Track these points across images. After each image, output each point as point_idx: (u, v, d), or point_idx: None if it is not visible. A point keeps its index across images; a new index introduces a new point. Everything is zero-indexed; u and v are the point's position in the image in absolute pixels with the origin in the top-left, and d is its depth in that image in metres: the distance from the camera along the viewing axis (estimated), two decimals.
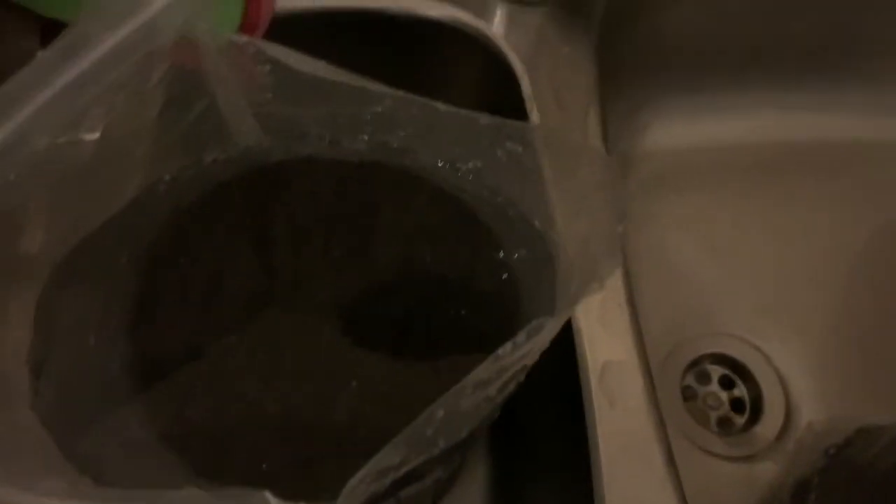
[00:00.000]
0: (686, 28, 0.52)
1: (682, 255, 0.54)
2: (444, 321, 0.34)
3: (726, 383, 0.51)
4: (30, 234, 0.28)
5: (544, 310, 0.23)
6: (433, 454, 0.24)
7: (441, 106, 0.25)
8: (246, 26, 0.27)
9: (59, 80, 0.21)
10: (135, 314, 0.32)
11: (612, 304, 0.37)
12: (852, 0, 0.51)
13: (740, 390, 0.51)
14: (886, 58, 0.54)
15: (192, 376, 0.32)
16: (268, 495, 0.19)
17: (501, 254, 0.33)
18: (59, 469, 0.23)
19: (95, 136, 0.22)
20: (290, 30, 0.27)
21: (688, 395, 0.51)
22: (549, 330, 0.21)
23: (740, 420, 0.50)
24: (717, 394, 0.51)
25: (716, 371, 0.52)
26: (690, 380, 0.51)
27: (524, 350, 0.22)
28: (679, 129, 0.57)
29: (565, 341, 0.37)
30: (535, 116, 0.40)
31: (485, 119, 0.26)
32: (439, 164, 0.31)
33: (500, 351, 0.21)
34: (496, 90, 0.44)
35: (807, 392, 0.50)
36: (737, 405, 0.50)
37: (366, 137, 0.31)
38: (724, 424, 0.50)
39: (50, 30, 0.23)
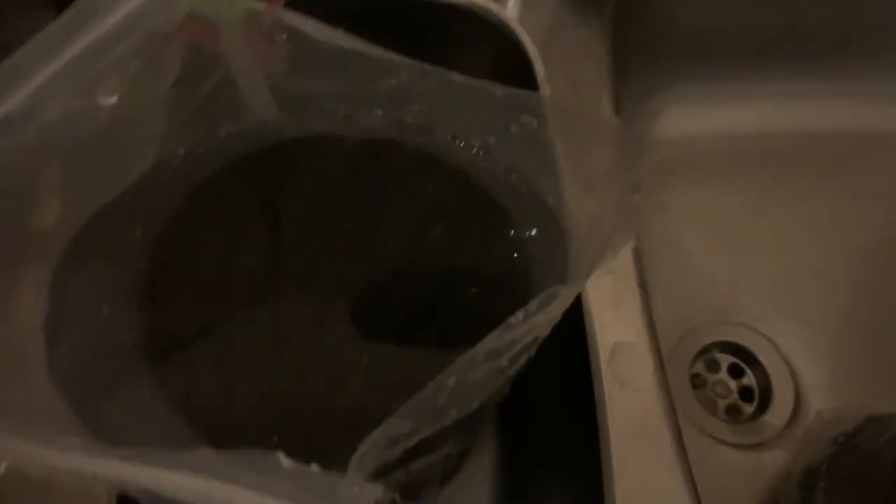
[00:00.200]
0: (700, 14, 0.51)
1: (692, 243, 0.54)
2: (456, 301, 0.34)
3: (735, 371, 0.51)
4: (45, 206, 0.28)
5: None
6: (445, 424, 0.24)
7: (456, 76, 0.25)
8: None
9: (72, 47, 0.21)
10: (147, 288, 0.32)
11: (624, 285, 0.37)
12: None
13: (749, 379, 0.51)
14: None
15: (203, 351, 0.32)
16: (281, 455, 0.19)
17: (513, 233, 0.33)
18: (74, 431, 0.23)
19: (111, 101, 0.22)
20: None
21: (697, 382, 0.51)
22: (561, 300, 0.21)
23: (749, 408, 0.50)
24: (725, 382, 0.51)
25: (725, 359, 0.52)
26: (699, 367, 0.51)
27: (536, 320, 0.22)
28: (692, 117, 0.57)
29: (575, 324, 0.37)
30: None
31: (500, 91, 0.26)
32: (453, 141, 0.31)
33: (512, 319, 0.21)
34: (509, 74, 0.44)
35: (816, 381, 0.50)
36: (745, 393, 0.50)
37: (380, 112, 0.31)
38: (733, 412, 0.50)
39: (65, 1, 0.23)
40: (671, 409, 0.34)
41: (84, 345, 0.29)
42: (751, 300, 0.52)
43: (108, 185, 0.30)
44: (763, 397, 0.50)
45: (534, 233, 0.32)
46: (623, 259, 0.37)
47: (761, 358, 0.50)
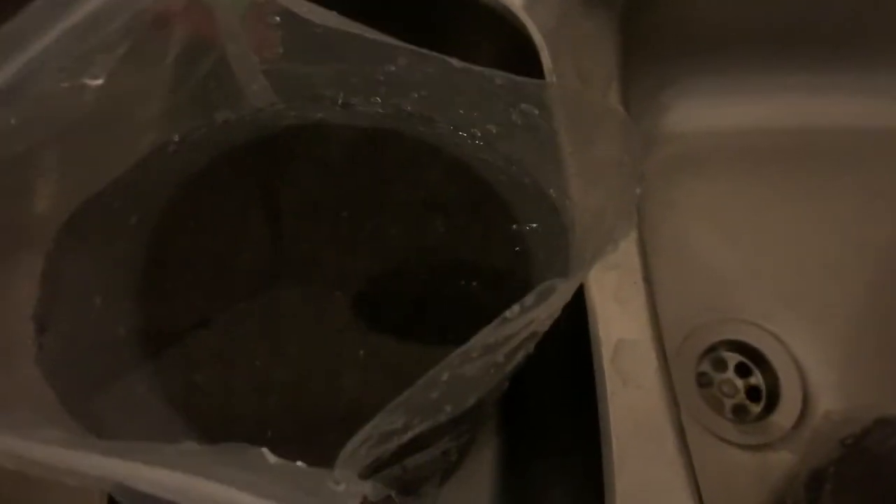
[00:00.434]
0: (710, 7, 0.51)
1: (700, 240, 0.53)
2: (455, 295, 0.33)
3: (742, 371, 0.50)
4: (37, 191, 0.28)
5: None
6: (440, 420, 0.24)
7: (456, 62, 0.25)
8: None
9: (56, 27, 0.20)
10: (142, 278, 0.32)
11: (628, 281, 0.36)
12: None
13: (756, 378, 0.50)
14: None
15: (199, 343, 0.32)
16: (265, 451, 0.18)
17: (515, 226, 0.33)
18: (60, 423, 0.23)
19: (97, 83, 0.22)
20: None
21: (703, 381, 0.50)
22: (560, 294, 0.21)
23: (756, 408, 0.49)
24: (732, 381, 0.50)
25: (732, 358, 0.51)
26: (706, 366, 0.51)
27: (534, 314, 0.21)
28: (702, 111, 0.56)
29: (577, 321, 0.37)
30: None
31: (500, 78, 0.25)
32: (454, 131, 0.30)
33: (508, 313, 0.20)
34: (516, 65, 0.43)
35: (824, 382, 0.49)
36: (753, 393, 0.50)
37: (379, 100, 0.30)
38: (740, 412, 0.49)
39: None
40: (674, 407, 0.34)
41: (76, 335, 0.29)
42: (759, 298, 0.51)
43: (103, 171, 0.30)
44: (770, 397, 0.49)
45: (535, 226, 0.31)
46: (628, 254, 0.37)
47: (769, 357, 0.50)
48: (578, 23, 0.45)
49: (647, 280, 0.36)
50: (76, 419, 0.25)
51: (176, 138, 0.31)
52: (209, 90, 0.29)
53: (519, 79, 0.25)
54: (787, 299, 0.51)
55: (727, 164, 0.56)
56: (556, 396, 0.43)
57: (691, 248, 0.53)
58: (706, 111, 0.56)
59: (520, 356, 0.25)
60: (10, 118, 0.19)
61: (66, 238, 0.29)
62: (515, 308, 0.20)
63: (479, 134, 0.31)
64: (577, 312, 0.36)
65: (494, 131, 0.30)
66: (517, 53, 0.43)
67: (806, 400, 0.48)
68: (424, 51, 0.25)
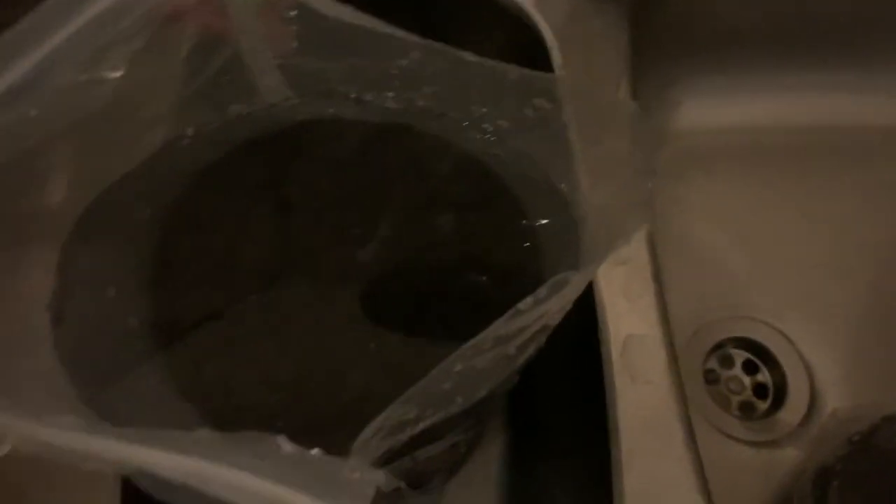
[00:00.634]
0: (720, 4, 0.51)
1: (708, 237, 0.53)
2: (465, 290, 0.33)
3: (750, 368, 0.50)
4: (52, 184, 0.28)
5: None
6: (451, 412, 0.24)
7: (469, 56, 0.25)
8: None
9: (76, 19, 0.21)
10: (154, 271, 0.32)
11: (637, 277, 0.36)
12: None
13: (764, 375, 0.50)
14: None
15: (209, 335, 0.32)
16: (281, 439, 0.19)
17: (525, 221, 0.33)
18: (76, 411, 0.23)
19: (116, 75, 0.22)
20: None
21: (710, 378, 0.50)
22: (572, 287, 0.21)
23: (763, 405, 0.49)
24: (739, 378, 0.50)
25: (739, 355, 0.51)
26: (713, 363, 0.51)
27: (546, 306, 0.21)
28: (710, 109, 0.56)
29: (586, 317, 0.37)
30: None
31: (514, 73, 0.25)
32: (466, 126, 0.31)
33: (521, 305, 0.21)
34: (525, 62, 0.43)
35: (832, 379, 0.49)
36: (760, 390, 0.50)
37: (392, 94, 0.30)
38: (747, 409, 0.49)
39: None
40: (683, 403, 0.34)
41: (90, 326, 0.29)
42: (767, 295, 0.51)
43: (117, 164, 0.30)
44: (777, 394, 0.49)
45: (546, 221, 0.32)
46: (637, 250, 0.37)
47: (776, 354, 0.50)
48: (588, 20, 0.45)
49: (657, 277, 0.37)
50: (91, 408, 0.25)
51: (189, 132, 0.31)
52: (222, 84, 0.29)
53: (533, 73, 0.25)
54: (795, 296, 0.51)
55: (735, 162, 0.56)
56: (564, 392, 0.43)
57: (699, 245, 0.53)
58: (715, 108, 0.56)
59: (531, 349, 0.25)
60: (30, 110, 0.20)
61: (82, 230, 0.29)
62: (528, 300, 0.21)
63: (491, 129, 0.31)
64: (585, 308, 0.36)
65: (506, 126, 0.30)
66: (527, 51, 0.43)
67: (813, 397, 0.48)
68: (439, 45, 0.25)
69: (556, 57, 0.41)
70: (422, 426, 0.23)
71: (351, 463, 0.19)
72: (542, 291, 0.21)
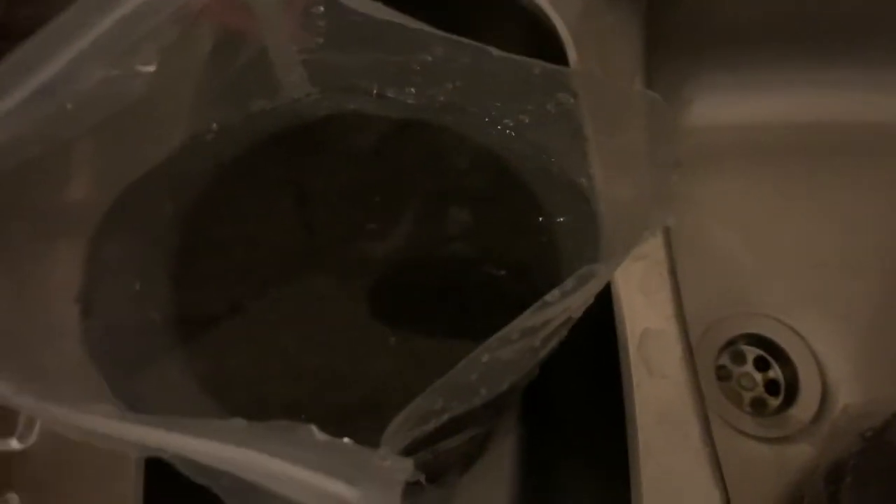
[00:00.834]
0: (732, 1, 0.51)
1: (720, 234, 0.54)
2: (483, 284, 0.33)
3: (761, 364, 0.51)
4: (81, 178, 0.29)
5: None
6: (475, 404, 0.24)
7: (494, 51, 0.25)
8: None
9: (110, 15, 0.21)
10: (178, 265, 0.33)
11: (654, 272, 0.37)
12: None
13: (775, 372, 0.50)
14: None
15: (232, 328, 0.32)
16: (313, 428, 0.19)
17: (542, 216, 0.33)
18: (105, 399, 0.23)
19: (150, 69, 0.22)
20: None
21: (722, 374, 0.50)
22: (598, 279, 0.21)
23: (775, 402, 0.49)
24: (751, 374, 0.50)
25: (751, 352, 0.51)
26: (725, 360, 0.51)
27: (572, 299, 0.21)
28: (724, 106, 0.56)
29: (603, 311, 0.37)
30: None
31: (538, 68, 0.25)
32: (486, 121, 0.31)
33: (548, 297, 0.21)
34: (539, 57, 0.44)
35: (844, 375, 0.49)
36: (771, 387, 0.50)
37: (413, 90, 0.31)
38: (758, 405, 0.49)
39: None
40: (699, 397, 0.34)
41: (117, 318, 0.29)
42: (779, 292, 0.52)
43: (142, 159, 0.30)
44: (789, 391, 0.49)
45: (564, 216, 0.32)
46: (654, 246, 0.37)
47: (788, 351, 0.50)
48: (603, 17, 0.46)
49: (673, 272, 0.37)
50: (119, 398, 0.26)
51: (213, 127, 0.31)
52: (246, 80, 0.29)
53: (557, 68, 0.26)
54: (806, 293, 0.52)
55: (748, 159, 0.56)
56: (579, 386, 0.43)
57: (711, 242, 0.53)
58: (728, 106, 0.56)
59: (554, 341, 0.25)
60: (66, 104, 0.20)
61: (108, 225, 0.29)
62: (556, 292, 0.21)
63: (512, 124, 0.31)
64: (602, 303, 0.36)
65: (527, 121, 0.30)
66: (542, 47, 0.44)
67: (825, 393, 0.49)
68: (464, 40, 0.26)
69: (572, 53, 0.42)
70: (446, 417, 0.24)
71: (381, 452, 0.19)
72: (568, 284, 0.21)
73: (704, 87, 0.56)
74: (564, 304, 0.21)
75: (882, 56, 0.55)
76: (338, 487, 0.17)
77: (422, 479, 0.30)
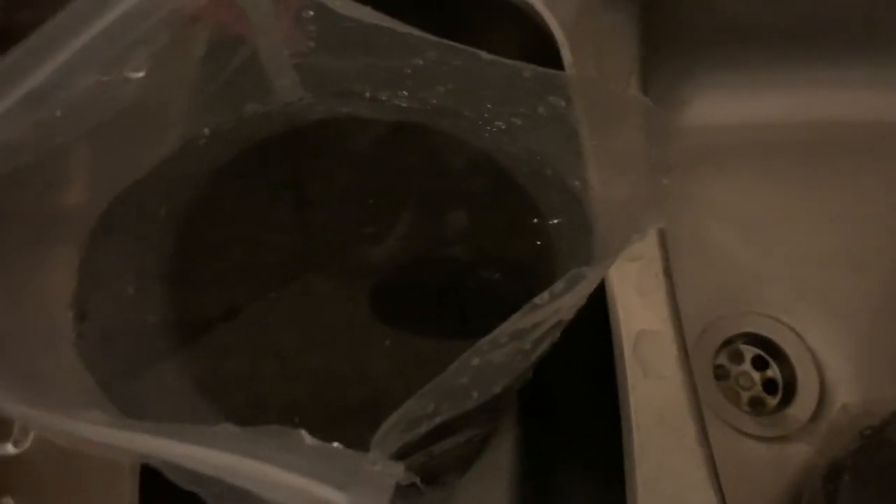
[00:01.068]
0: (731, 1, 0.51)
1: (718, 233, 0.54)
2: (479, 286, 0.33)
3: (759, 364, 0.51)
4: (74, 184, 0.29)
5: None
6: (467, 407, 0.24)
7: (484, 55, 0.25)
8: None
9: (100, 20, 0.21)
10: (174, 269, 0.33)
11: (649, 273, 0.37)
12: None
13: (773, 371, 0.50)
14: None
15: (228, 331, 0.32)
16: (303, 433, 0.19)
17: (537, 218, 0.33)
18: (101, 407, 0.23)
19: (140, 75, 0.22)
20: None
21: (720, 374, 0.50)
22: (588, 281, 0.21)
23: (773, 401, 0.49)
24: (749, 374, 0.50)
25: (749, 351, 0.51)
26: (723, 359, 0.51)
27: (562, 301, 0.21)
28: (721, 105, 0.56)
29: (599, 313, 0.37)
30: None
31: (528, 71, 0.26)
32: (479, 124, 0.31)
33: (538, 299, 0.21)
34: (535, 60, 0.44)
35: (842, 375, 0.49)
36: (770, 386, 0.50)
37: (406, 93, 0.31)
38: (756, 405, 0.49)
39: None
40: (695, 398, 0.34)
41: (111, 324, 0.29)
42: (777, 291, 0.52)
43: (136, 163, 0.31)
44: (787, 390, 0.49)
45: (558, 218, 0.32)
46: (649, 246, 0.37)
47: (786, 350, 0.50)
48: (598, 17, 0.46)
49: (668, 273, 0.37)
50: (115, 404, 0.26)
51: (206, 132, 0.32)
52: (239, 84, 0.29)
53: (547, 71, 0.26)
54: (804, 292, 0.51)
55: (746, 158, 0.56)
56: (578, 388, 0.43)
57: (709, 242, 0.53)
58: (725, 105, 0.56)
59: (546, 344, 0.25)
60: (55, 111, 0.20)
61: (102, 229, 0.29)
62: (545, 295, 0.21)
63: (504, 127, 0.31)
64: (598, 304, 0.37)
65: (519, 124, 0.30)
66: (537, 49, 0.44)
67: (823, 392, 0.49)
68: (454, 44, 0.26)
69: (567, 54, 0.42)
70: (438, 420, 0.24)
71: (371, 456, 0.19)
72: (558, 286, 0.21)
73: (703, 86, 0.56)
74: (554, 307, 0.21)
75: (881, 54, 0.55)
76: (327, 492, 0.17)
77: (418, 481, 0.30)
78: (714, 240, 0.53)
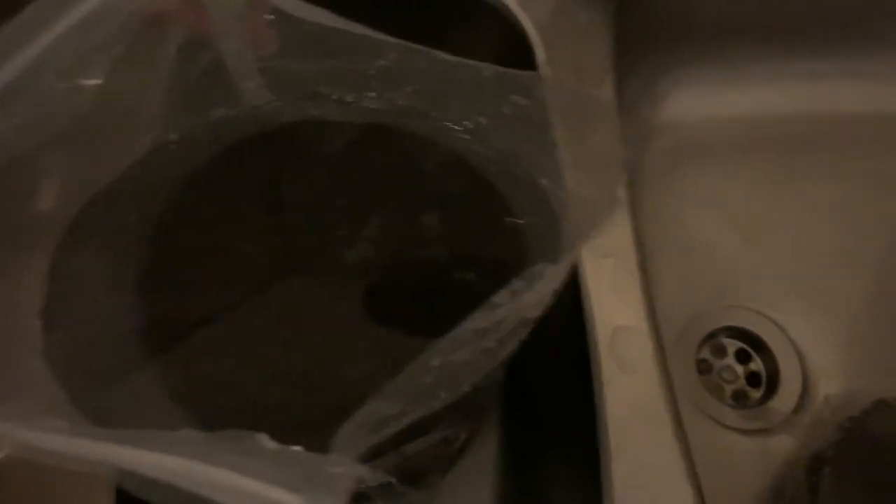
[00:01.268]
0: None
1: (699, 229, 0.54)
2: (454, 286, 0.34)
3: (742, 357, 0.51)
4: (42, 191, 0.29)
5: None
6: (435, 407, 0.24)
7: (445, 56, 0.25)
8: None
9: (57, 25, 0.21)
10: (145, 275, 0.33)
11: (624, 269, 0.37)
12: None
13: (756, 364, 0.50)
14: None
15: (201, 337, 0.32)
16: (263, 436, 0.19)
17: (509, 217, 0.33)
18: (66, 415, 0.23)
19: (94, 83, 0.22)
20: None
21: (703, 368, 0.50)
22: (547, 279, 0.21)
23: (756, 394, 0.49)
24: (732, 367, 0.50)
25: (732, 345, 0.51)
26: (706, 353, 0.51)
27: (523, 299, 0.21)
28: (699, 100, 0.56)
29: (575, 310, 0.37)
30: None
31: (489, 70, 0.26)
32: (447, 124, 0.31)
33: (496, 298, 0.21)
34: (510, 58, 0.44)
35: (824, 366, 0.49)
36: (752, 379, 0.50)
37: (373, 94, 0.31)
38: (740, 398, 0.49)
39: None
40: (671, 393, 0.34)
41: (82, 332, 0.29)
42: (759, 285, 0.52)
43: (104, 170, 0.30)
44: (770, 382, 0.49)
45: (528, 216, 0.32)
46: (623, 243, 0.37)
47: (769, 343, 0.50)
48: (573, 16, 0.46)
49: (643, 268, 0.37)
50: (84, 413, 0.26)
51: (175, 137, 0.32)
52: (205, 88, 0.29)
53: (508, 71, 0.26)
54: (786, 285, 0.52)
55: (725, 153, 0.56)
56: (560, 386, 0.43)
57: (691, 237, 0.53)
58: (703, 100, 0.56)
59: (513, 343, 0.25)
60: (12, 118, 0.20)
61: (72, 237, 0.29)
62: (504, 293, 0.21)
63: (472, 126, 0.31)
64: (574, 301, 0.36)
65: (485, 123, 0.30)
66: (512, 48, 0.44)
67: (805, 384, 0.49)
68: (413, 45, 0.26)
69: (540, 54, 0.41)
70: (406, 421, 0.24)
71: (332, 458, 0.19)
72: (517, 284, 0.21)
73: (683, 81, 0.56)
74: (514, 305, 0.21)
75: (862, 46, 0.55)
76: (280, 495, 0.17)
77: (394, 481, 0.30)
78: (695, 234, 0.53)
